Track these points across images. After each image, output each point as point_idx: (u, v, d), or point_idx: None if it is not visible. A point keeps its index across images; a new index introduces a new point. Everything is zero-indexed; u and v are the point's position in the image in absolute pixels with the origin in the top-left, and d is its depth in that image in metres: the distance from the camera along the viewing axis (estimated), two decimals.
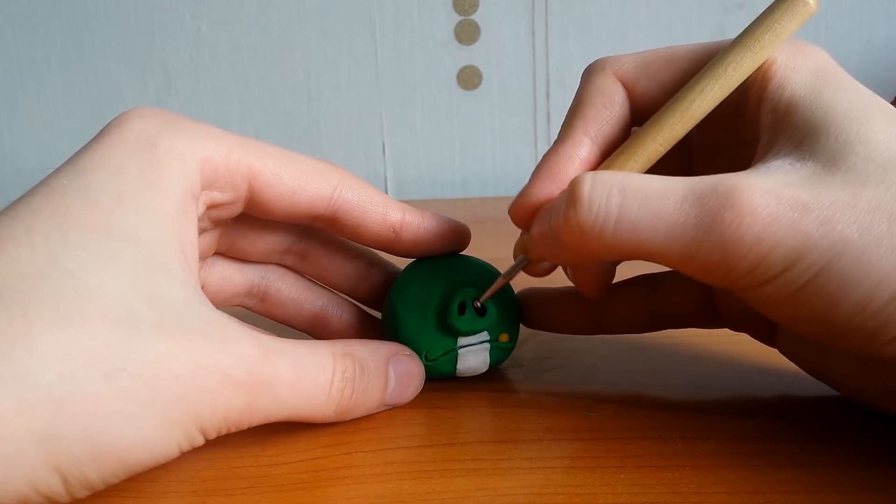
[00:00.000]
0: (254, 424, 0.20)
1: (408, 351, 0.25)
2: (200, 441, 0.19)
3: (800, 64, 0.21)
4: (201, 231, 0.24)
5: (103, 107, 0.67)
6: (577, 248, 0.20)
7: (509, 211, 0.24)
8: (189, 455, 0.22)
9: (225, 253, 0.26)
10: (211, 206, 0.23)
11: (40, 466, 0.17)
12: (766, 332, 0.25)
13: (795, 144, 0.20)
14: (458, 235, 0.27)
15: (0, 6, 0.66)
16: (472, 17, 0.65)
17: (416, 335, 0.25)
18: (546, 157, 0.23)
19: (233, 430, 0.20)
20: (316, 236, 0.27)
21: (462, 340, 0.25)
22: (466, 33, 0.65)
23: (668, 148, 0.22)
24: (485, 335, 0.25)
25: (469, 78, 0.66)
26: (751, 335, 0.26)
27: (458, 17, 0.65)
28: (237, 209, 0.24)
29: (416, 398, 0.25)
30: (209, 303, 0.20)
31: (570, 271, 0.25)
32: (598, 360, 0.28)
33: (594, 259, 0.23)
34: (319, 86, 0.67)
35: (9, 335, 0.17)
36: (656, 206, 0.19)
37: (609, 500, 0.19)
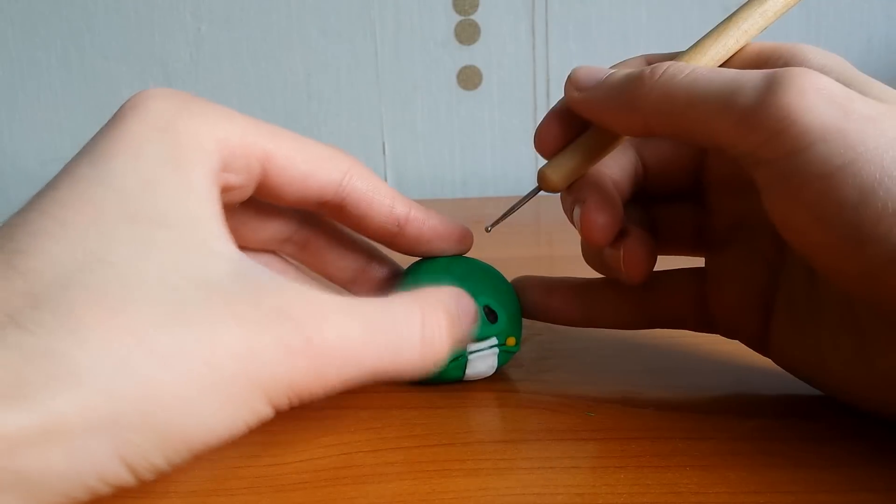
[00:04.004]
0: (331, 391, 0.20)
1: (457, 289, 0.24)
2: (270, 414, 0.19)
3: (822, 54, 0.22)
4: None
5: (103, 107, 0.67)
6: (636, 95, 0.21)
7: (537, 134, 0.25)
8: None
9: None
10: (225, 190, 0.22)
11: (105, 459, 0.16)
12: (758, 338, 0.25)
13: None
14: (461, 238, 0.27)
15: (0, 6, 0.66)
16: (472, 17, 0.65)
17: None
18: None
19: (306, 398, 0.19)
20: (317, 226, 0.27)
21: (472, 346, 0.25)
22: (466, 33, 0.65)
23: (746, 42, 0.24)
24: (493, 340, 0.25)
25: (469, 78, 0.66)
26: (743, 342, 0.26)
27: (458, 17, 0.65)
28: (247, 192, 0.23)
29: (417, 398, 0.25)
30: (259, 267, 0.20)
31: (619, 255, 0.25)
32: (598, 360, 0.28)
33: (635, 116, 0.22)
34: (319, 86, 0.67)
35: (58, 332, 0.16)
36: (722, 70, 0.21)
37: (609, 500, 0.19)
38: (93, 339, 0.17)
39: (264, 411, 0.19)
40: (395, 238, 0.26)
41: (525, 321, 0.27)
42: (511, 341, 0.26)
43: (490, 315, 0.25)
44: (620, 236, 0.24)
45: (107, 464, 0.17)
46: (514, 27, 0.65)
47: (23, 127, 0.68)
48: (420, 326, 0.21)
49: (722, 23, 0.24)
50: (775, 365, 0.26)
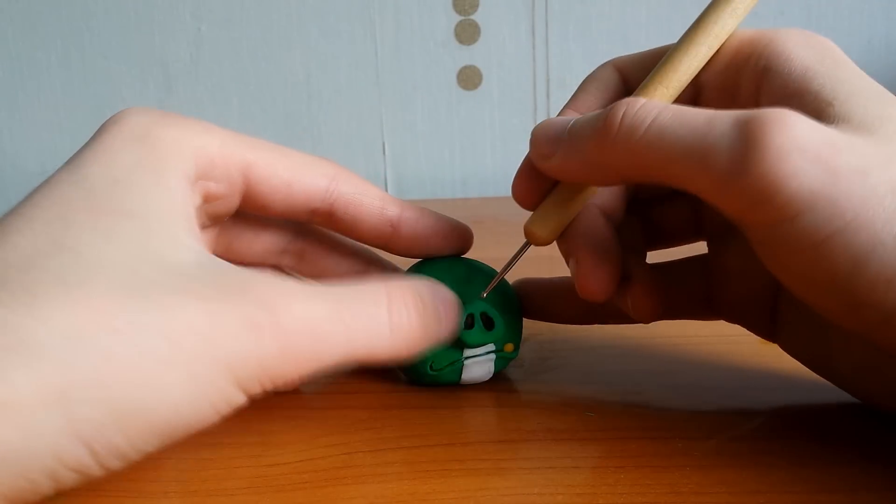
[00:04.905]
0: (305, 373, 0.19)
1: (435, 281, 0.23)
2: (240, 398, 0.18)
3: (801, 41, 0.21)
4: (199, 228, 0.24)
5: (103, 107, 0.67)
6: (601, 151, 0.20)
7: (513, 190, 0.24)
8: (189, 455, 0.22)
9: (222, 255, 0.26)
10: (207, 199, 0.22)
11: (61, 435, 0.16)
12: (764, 324, 0.25)
13: (819, 111, 0.19)
14: (460, 235, 0.27)
15: (0, 6, 0.66)
16: (472, 17, 0.65)
17: None
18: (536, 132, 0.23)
19: (279, 382, 0.19)
20: (313, 235, 0.27)
21: (468, 351, 0.25)
22: (466, 33, 0.65)
23: (695, 73, 0.22)
24: (491, 346, 0.25)
25: (469, 78, 0.66)
26: (748, 328, 0.25)
27: (458, 17, 0.65)
28: (233, 203, 0.23)
29: (416, 398, 0.25)
30: (224, 262, 0.20)
31: (577, 269, 0.24)
32: (598, 360, 0.28)
33: (609, 172, 0.21)
34: (319, 86, 0.67)
35: (13, 307, 0.16)
36: (688, 116, 0.18)
37: (609, 500, 0.19)
38: (49, 313, 0.17)
39: (233, 394, 0.18)
40: (390, 240, 0.26)
41: (525, 321, 0.27)
42: (509, 347, 0.26)
43: (487, 322, 0.25)
44: (624, 283, 0.24)
45: (62, 441, 0.16)
46: (514, 27, 0.65)
47: (23, 127, 0.68)
48: (387, 307, 0.21)
49: (691, 28, 0.22)
50: (776, 365, 0.26)
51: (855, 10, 0.65)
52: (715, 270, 0.26)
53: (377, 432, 0.23)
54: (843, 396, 0.24)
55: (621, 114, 0.19)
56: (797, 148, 0.17)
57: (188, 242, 0.19)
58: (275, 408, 0.25)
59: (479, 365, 0.25)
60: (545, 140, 0.22)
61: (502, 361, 0.26)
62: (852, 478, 0.20)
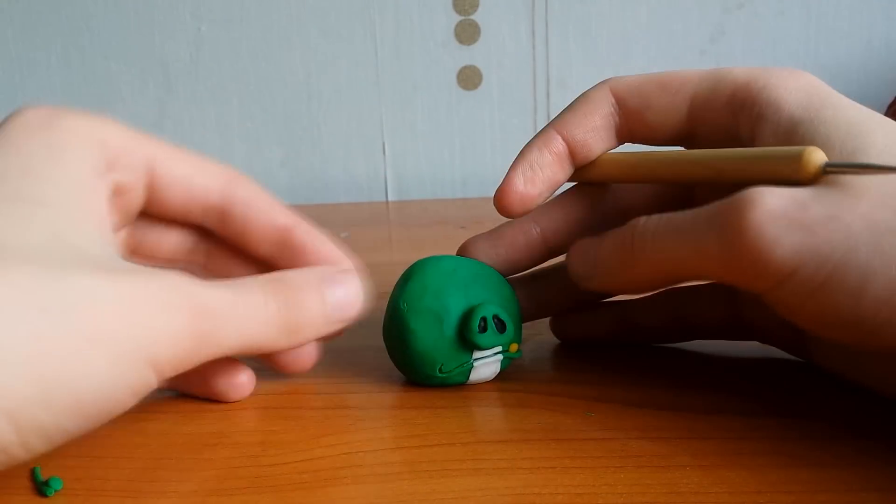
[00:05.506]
0: (207, 358, 0.20)
1: (342, 267, 0.25)
2: (153, 381, 0.19)
3: (791, 84, 0.22)
4: (113, 229, 0.24)
5: (103, 107, 0.67)
6: (628, 266, 0.23)
7: (495, 200, 0.26)
8: (188, 455, 0.22)
9: (132, 254, 0.26)
10: (118, 191, 0.23)
11: None
12: (796, 343, 0.26)
13: None
14: (342, 261, 0.26)
15: (0, 6, 0.66)
16: (472, 17, 0.65)
17: (431, 349, 0.25)
18: (523, 149, 0.26)
19: (187, 364, 0.20)
20: (219, 237, 0.27)
21: (478, 354, 0.25)
22: (466, 33, 0.65)
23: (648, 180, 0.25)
24: (499, 347, 0.25)
25: (469, 78, 0.66)
26: (781, 348, 0.27)
27: (458, 17, 0.65)
28: (140, 197, 0.24)
29: (416, 398, 0.25)
30: (132, 260, 0.21)
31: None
32: (598, 360, 0.28)
33: (643, 278, 0.23)
34: (319, 86, 0.67)
35: None
36: (678, 220, 0.21)
37: (609, 500, 0.19)
38: None
39: (149, 377, 0.19)
40: (279, 249, 0.26)
41: (525, 322, 0.27)
42: (514, 347, 0.26)
43: (499, 325, 0.25)
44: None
45: None
46: (514, 27, 0.65)
47: None
48: (262, 294, 0.22)
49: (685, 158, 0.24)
50: (776, 365, 0.26)
51: (855, 10, 0.65)
52: (743, 294, 0.26)
53: (377, 432, 0.23)
54: (844, 397, 0.24)
55: (639, 226, 0.22)
56: (769, 219, 0.18)
57: (98, 237, 0.21)
58: (275, 408, 0.25)
59: (486, 366, 0.26)
60: (581, 262, 0.25)
61: (507, 361, 0.26)
62: (852, 478, 0.20)
